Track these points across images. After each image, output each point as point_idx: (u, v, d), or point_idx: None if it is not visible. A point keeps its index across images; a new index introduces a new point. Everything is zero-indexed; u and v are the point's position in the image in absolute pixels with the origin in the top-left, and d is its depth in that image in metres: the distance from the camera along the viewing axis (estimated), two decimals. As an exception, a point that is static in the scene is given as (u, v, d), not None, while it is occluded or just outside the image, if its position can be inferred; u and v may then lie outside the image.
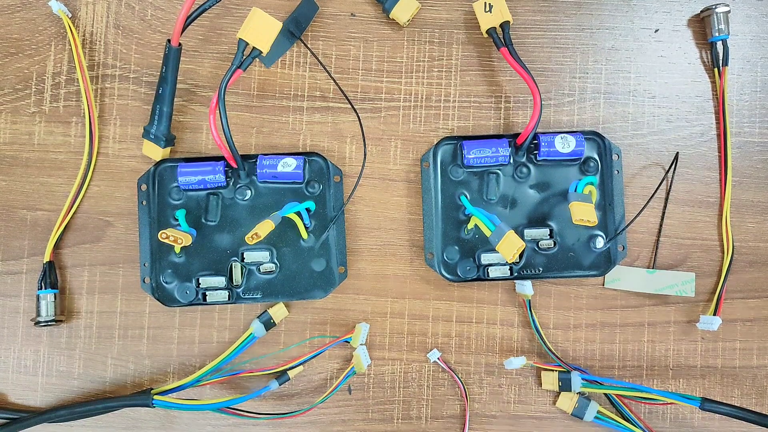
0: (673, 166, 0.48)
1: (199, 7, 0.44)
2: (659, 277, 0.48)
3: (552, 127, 0.49)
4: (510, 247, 0.42)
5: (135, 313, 0.48)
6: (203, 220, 0.47)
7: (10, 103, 0.49)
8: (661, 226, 0.49)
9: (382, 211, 0.48)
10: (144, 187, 0.47)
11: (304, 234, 0.46)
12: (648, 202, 0.46)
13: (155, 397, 0.45)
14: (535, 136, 0.46)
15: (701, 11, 0.49)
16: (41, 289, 0.47)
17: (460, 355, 0.48)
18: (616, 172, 0.47)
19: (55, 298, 0.47)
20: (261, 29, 0.42)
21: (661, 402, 0.46)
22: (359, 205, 0.48)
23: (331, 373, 0.48)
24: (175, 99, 0.47)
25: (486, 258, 0.47)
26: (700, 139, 0.49)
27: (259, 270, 0.47)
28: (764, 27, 0.50)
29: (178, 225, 0.46)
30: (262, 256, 0.46)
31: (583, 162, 0.47)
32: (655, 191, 0.48)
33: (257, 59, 0.47)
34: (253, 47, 0.42)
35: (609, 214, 0.47)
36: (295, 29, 0.48)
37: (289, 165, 0.46)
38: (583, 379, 0.47)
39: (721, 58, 0.49)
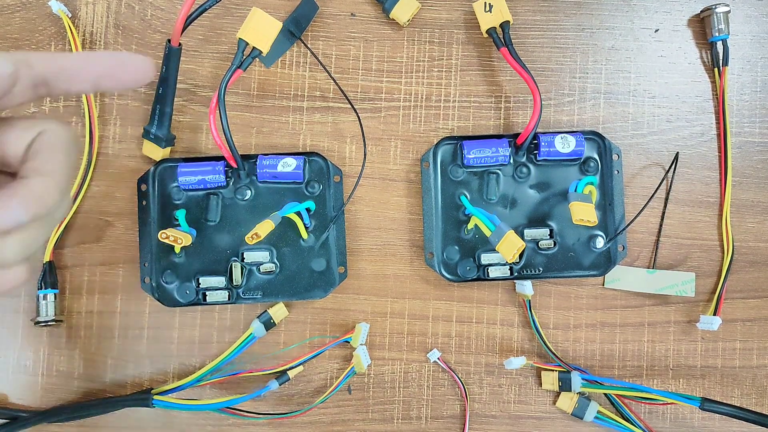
0: (673, 166, 0.48)
1: (199, 7, 0.44)
2: (659, 277, 0.48)
3: (552, 127, 0.49)
4: (510, 247, 0.42)
5: (135, 313, 0.48)
6: (203, 220, 0.46)
7: (10, 103, 0.48)
8: (661, 226, 0.49)
9: (382, 211, 0.48)
10: (144, 187, 0.47)
11: (304, 234, 0.46)
12: (648, 202, 0.46)
13: (155, 397, 0.45)
14: (535, 136, 0.46)
15: (701, 11, 0.49)
16: (41, 289, 0.47)
17: (460, 355, 0.48)
18: (616, 172, 0.47)
19: (55, 298, 0.47)
20: (261, 29, 0.42)
21: (661, 402, 0.46)
22: (359, 205, 0.48)
23: (331, 373, 0.48)
24: (175, 99, 0.47)
25: (486, 258, 0.47)
26: (700, 139, 0.49)
27: (259, 270, 0.47)
28: (764, 27, 0.50)
29: (178, 225, 0.46)
30: (262, 256, 0.46)
31: (583, 162, 0.47)
32: (655, 191, 0.48)
33: (257, 59, 0.47)
34: (253, 47, 0.42)
35: (609, 214, 0.47)
36: (295, 29, 0.48)
37: (289, 165, 0.46)
38: (583, 379, 0.47)
39: (721, 58, 0.49)
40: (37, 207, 0.30)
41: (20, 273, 0.31)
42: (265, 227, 0.43)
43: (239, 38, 0.42)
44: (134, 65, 0.34)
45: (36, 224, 0.31)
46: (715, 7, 0.48)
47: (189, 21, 0.44)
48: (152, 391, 0.46)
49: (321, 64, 0.48)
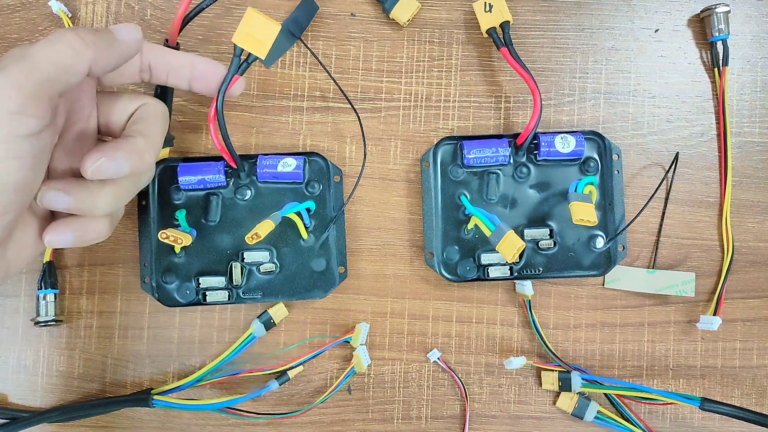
0: (673, 166, 0.49)
1: (196, 6, 0.44)
2: (659, 277, 0.48)
3: (552, 127, 0.49)
4: (510, 247, 0.42)
5: (135, 313, 0.48)
6: (203, 220, 0.46)
7: (9, 103, 0.48)
8: (661, 226, 0.49)
9: (382, 211, 0.48)
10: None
11: (304, 234, 0.46)
12: (648, 202, 0.46)
13: (155, 397, 0.45)
14: (535, 136, 0.46)
15: (701, 11, 0.49)
16: (41, 289, 0.47)
17: (460, 355, 0.48)
18: (616, 172, 0.47)
19: (55, 298, 0.47)
20: (257, 33, 0.39)
21: (661, 402, 0.46)
22: (359, 205, 0.48)
23: (331, 373, 0.48)
24: (175, 99, 0.47)
25: (486, 258, 0.47)
26: (700, 139, 0.49)
27: (258, 270, 0.47)
28: (764, 27, 0.50)
29: (178, 225, 0.46)
30: (262, 256, 0.46)
31: (583, 162, 0.47)
32: (655, 191, 0.48)
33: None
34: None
35: (609, 214, 0.47)
36: (295, 29, 0.48)
37: (289, 165, 0.46)
38: (583, 379, 0.47)
39: (721, 58, 0.49)
40: (137, 162, 0.35)
41: (103, 227, 0.36)
42: (265, 227, 0.43)
43: (234, 43, 0.39)
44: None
45: (127, 181, 0.36)
46: (715, 7, 0.48)
47: (187, 20, 0.44)
48: (152, 391, 0.46)
49: (321, 65, 0.48)
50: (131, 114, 0.38)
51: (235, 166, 0.45)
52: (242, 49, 0.40)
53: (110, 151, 0.33)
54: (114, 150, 0.34)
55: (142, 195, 0.47)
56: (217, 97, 0.41)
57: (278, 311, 0.47)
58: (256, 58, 0.40)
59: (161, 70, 0.39)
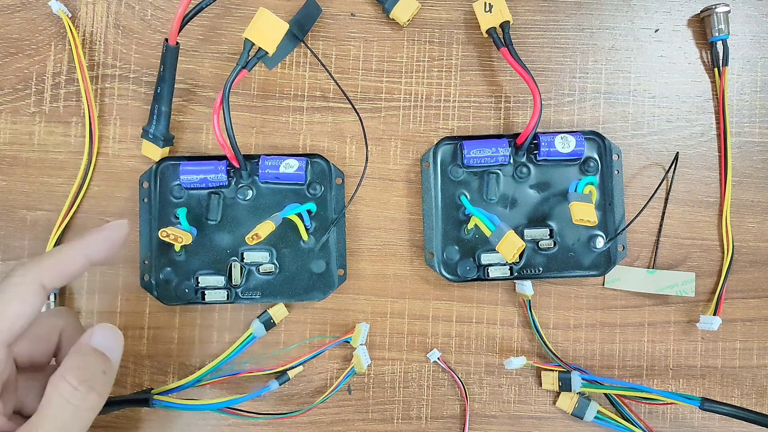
0: (673, 166, 0.49)
1: (196, 6, 0.44)
2: (659, 277, 0.48)
3: (552, 127, 0.49)
4: (510, 247, 0.42)
5: (135, 313, 0.48)
6: (204, 219, 0.46)
7: (10, 103, 0.48)
8: (661, 226, 0.49)
9: (382, 211, 0.48)
10: (146, 184, 0.47)
11: (304, 236, 0.46)
12: (648, 202, 0.46)
13: (155, 397, 0.45)
14: (535, 136, 0.46)
15: (701, 11, 0.49)
16: (41, 289, 0.47)
17: (460, 355, 0.48)
18: (616, 172, 0.47)
19: (55, 298, 0.47)
20: (268, 30, 0.42)
21: (661, 402, 0.46)
22: (359, 206, 0.48)
23: (331, 373, 0.48)
24: (176, 99, 0.47)
25: (486, 258, 0.47)
26: (700, 139, 0.49)
27: (258, 270, 0.47)
28: (764, 27, 0.50)
29: (179, 223, 0.46)
30: (262, 256, 0.46)
31: (583, 162, 0.47)
32: (655, 191, 0.48)
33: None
34: (259, 48, 0.42)
35: (609, 214, 0.47)
36: (298, 32, 0.48)
37: (291, 166, 0.46)
38: (583, 379, 0.47)
39: (721, 58, 0.49)
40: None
41: None
42: (265, 228, 0.43)
43: (245, 38, 0.42)
44: (113, 233, 0.36)
45: None
46: (715, 7, 0.48)
47: (186, 20, 0.44)
48: (152, 391, 0.46)
49: (324, 67, 0.48)
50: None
51: (237, 165, 0.45)
52: (251, 45, 0.42)
53: None
54: None
55: (144, 192, 0.47)
56: (224, 88, 0.41)
57: (278, 311, 0.47)
58: (263, 55, 0.43)
59: (66, 278, 0.35)
